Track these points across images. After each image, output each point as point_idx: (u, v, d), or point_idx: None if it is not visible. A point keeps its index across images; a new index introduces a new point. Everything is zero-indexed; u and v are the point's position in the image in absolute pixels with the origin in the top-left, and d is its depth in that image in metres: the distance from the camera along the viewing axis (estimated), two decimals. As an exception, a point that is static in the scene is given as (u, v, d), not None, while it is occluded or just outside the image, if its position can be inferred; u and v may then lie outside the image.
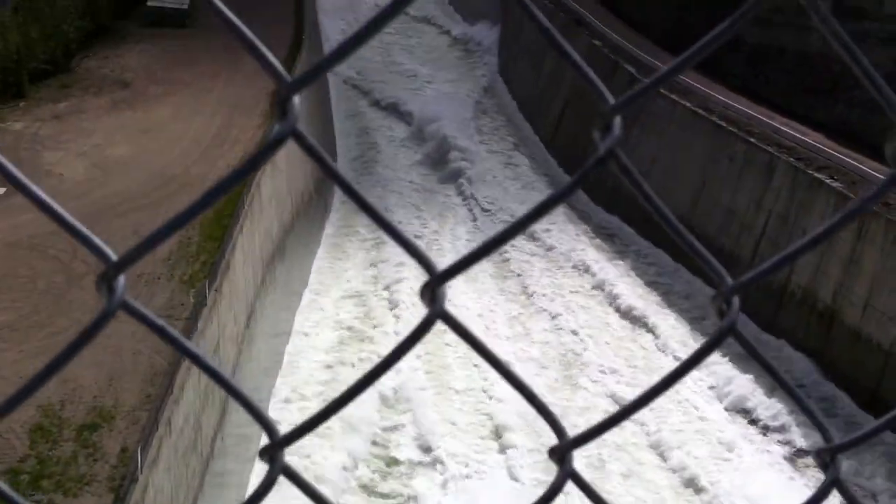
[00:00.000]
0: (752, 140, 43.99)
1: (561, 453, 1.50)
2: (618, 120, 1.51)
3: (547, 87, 64.90)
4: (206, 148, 39.87)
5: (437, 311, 1.39)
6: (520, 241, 46.01)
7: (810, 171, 40.08)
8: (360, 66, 73.29)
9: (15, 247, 30.13)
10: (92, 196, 34.41)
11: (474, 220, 51.64)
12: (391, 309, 40.20)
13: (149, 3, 58.02)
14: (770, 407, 34.31)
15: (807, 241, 1.53)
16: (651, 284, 44.13)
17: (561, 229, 49.13)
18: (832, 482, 1.56)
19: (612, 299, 42.94)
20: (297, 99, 1.28)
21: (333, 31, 77.28)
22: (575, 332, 40.07)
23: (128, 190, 35.07)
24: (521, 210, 51.47)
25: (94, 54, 51.21)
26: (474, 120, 64.99)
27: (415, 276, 43.13)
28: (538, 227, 44.57)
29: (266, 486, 1.41)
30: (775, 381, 1.63)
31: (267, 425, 1.44)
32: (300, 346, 36.89)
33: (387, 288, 41.76)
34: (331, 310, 40.24)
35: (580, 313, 41.95)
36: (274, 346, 34.93)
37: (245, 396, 1.44)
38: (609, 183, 45.02)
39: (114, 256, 1.31)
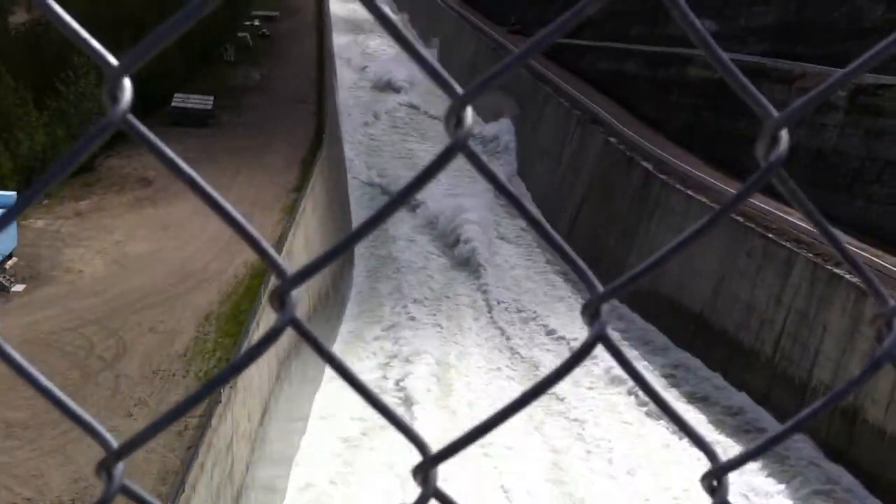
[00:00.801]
0: (769, 235, 43.94)
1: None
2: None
3: (564, 184, 65.42)
4: (224, 244, 40.16)
5: (430, 491, 1.39)
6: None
7: (829, 267, 39.86)
8: (378, 164, 74.32)
9: (31, 343, 30.18)
10: (111, 292, 34.59)
11: (490, 315, 51.51)
12: (404, 406, 39.85)
13: (173, 104, 59.30)
14: None
15: (676, 244, 1.48)
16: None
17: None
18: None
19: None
20: (295, 292, 1.31)
21: (353, 129, 78.60)
22: None
23: (146, 286, 35.25)
24: (538, 307, 51.57)
25: (118, 153, 52.12)
26: (493, 217, 65.35)
27: (427, 374, 42.83)
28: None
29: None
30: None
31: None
32: (315, 440, 36.54)
33: (398, 384, 41.60)
34: (346, 404, 39.84)
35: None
36: (288, 440, 34.53)
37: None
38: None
39: (114, 444, 1.35)
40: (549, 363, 45.44)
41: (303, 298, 39.91)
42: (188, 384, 28.14)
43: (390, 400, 40.63)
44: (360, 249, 58.83)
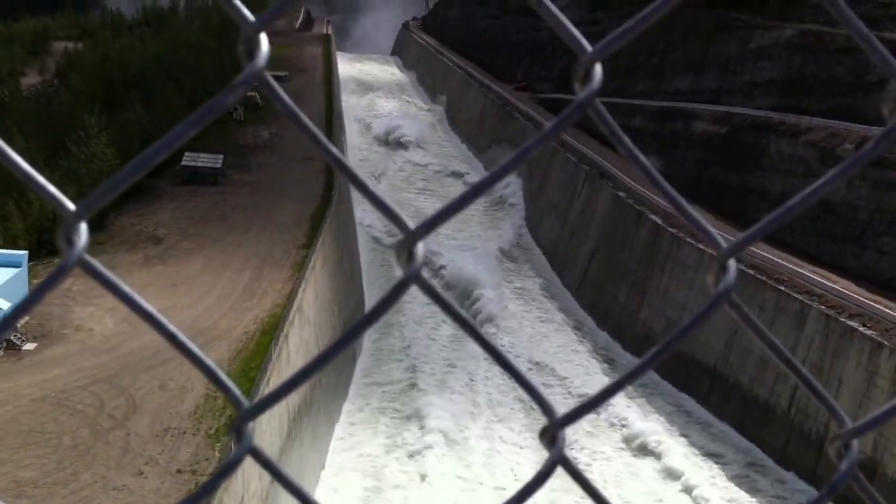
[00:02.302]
0: (781, 288, 43.80)
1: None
2: (597, 67, 1.46)
3: (573, 238, 65.47)
4: (234, 301, 40.15)
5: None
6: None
7: (843, 319, 39.66)
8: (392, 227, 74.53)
9: (42, 402, 30.06)
10: (121, 350, 34.51)
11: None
12: (419, 475, 39.34)
13: (183, 163, 59.76)
14: None
15: (641, 364, 1.46)
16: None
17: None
18: (557, 460, 1.45)
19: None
20: (251, 424, 1.37)
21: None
22: None
23: (156, 344, 35.13)
24: (551, 359, 51.22)
25: (128, 212, 52.40)
26: (502, 270, 65.35)
27: (441, 443, 42.39)
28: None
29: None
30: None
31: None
32: (328, 495, 36.12)
33: (411, 456, 40.72)
34: (357, 466, 39.51)
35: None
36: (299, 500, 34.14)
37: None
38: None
39: (245, 402, 1.40)
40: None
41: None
42: (199, 442, 27.93)
43: (401, 469, 40.24)
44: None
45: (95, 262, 1.25)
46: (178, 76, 62.51)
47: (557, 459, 1.43)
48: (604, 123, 1.44)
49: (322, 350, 1.31)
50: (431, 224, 1.33)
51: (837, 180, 1.49)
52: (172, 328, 1.33)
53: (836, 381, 38.52)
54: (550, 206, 73.05)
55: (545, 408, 1.46)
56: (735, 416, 43.67)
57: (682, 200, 1.47)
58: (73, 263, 1.22)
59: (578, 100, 1.44)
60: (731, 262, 1.49)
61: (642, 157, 1.47)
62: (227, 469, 1.28)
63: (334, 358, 1.37)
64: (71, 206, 1.28)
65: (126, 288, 1.30)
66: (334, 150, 1.39)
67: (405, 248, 1.34)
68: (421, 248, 1.36)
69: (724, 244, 1.48)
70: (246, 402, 1.31)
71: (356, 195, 74.21)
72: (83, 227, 1.26)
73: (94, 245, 48.05)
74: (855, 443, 1.53)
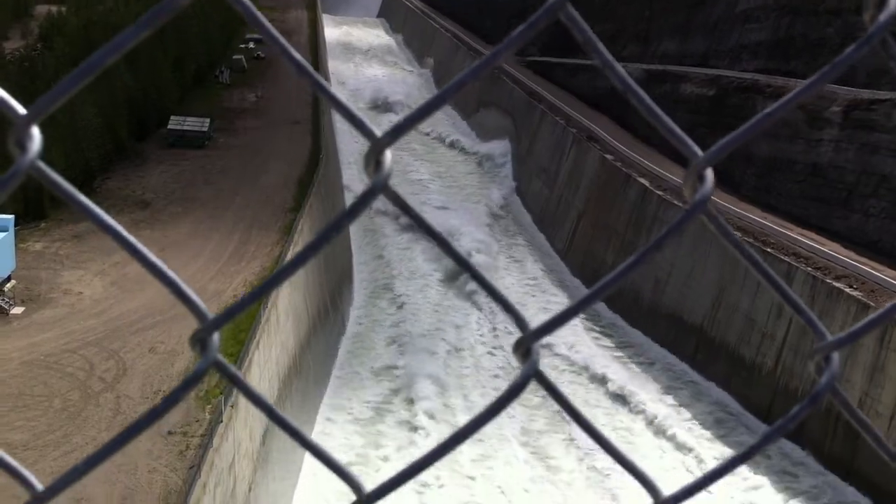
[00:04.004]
0: (768, 250, 44.00)
1: (526, 346, 1.42)
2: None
3: (561, 201, 65.51)
4: (223, 265, 40.13)
5: (530, 370, 1.40)
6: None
7: (829, 280, 39.92)
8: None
9: (32, 365, 30.08)
10: (110, 313, 34.51)
11: (493, 329, 51.47)
12: (409, 429, 39.66)
13: (170, 127, 59.39)
14: None
15: (610, 279, 1.45)
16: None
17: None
18: (531, 374, 1.43)
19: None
20: (216, 336, 1.33)
21: (349, 149, 78.77)
22: None
23: (145, 307, 35.17)
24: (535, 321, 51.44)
25: (116, 175, 52.17)
26: (491, 232, 65.44)
27: (431, 394, 42.66)
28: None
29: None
30: (588, 433, 1.53)
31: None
32: (317, 463, 36.35)
33: (408, 401, 41.44)
34: (348, 425, 39.75)
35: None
36: (291, 458, 34.38)
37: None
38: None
39: (209, 314, 1.35)
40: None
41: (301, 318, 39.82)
42: (189, 404, 28.02)
43: (395, 423, 40.46)
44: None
45: (47, 169, 1.26)
46: (164, 40, 61.96)
47: (531, 373, 1.44)
48: (724, 234, 1.44)
49: (285, 263, 1.30)
50: (397, 131, 1.33)
51: (817, 86, 1.49)
52: (131, 239, 1.34)
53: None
54: (539, 168, 73.02)
55: (519, 321, 1.47)
56: (721, 375, 44.03)
57: (659, 111, 1.47)
58: (25, 168, 1.23)
59: (692, 204, 1.45)
60: (709, 172, 1.48)
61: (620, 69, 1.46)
62: (190, 381, 1.29)
63: (297, 270, 1.36)
64: (21, 109, 1.28)
65: (82, 197, 1.30)
66: (296, 54, 1.37)
67: (373, 157, 1.32)
68: (388, 156, 1.33)
69: (700, 153, 1.48)
70: (209, 314, 1.33)
71: (343, 158, 74.02)
72: (35, 131, 1.25)
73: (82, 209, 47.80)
74: (835, 356, 1.54)
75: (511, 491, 36.23)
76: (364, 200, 1.32)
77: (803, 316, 1.58)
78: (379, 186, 1.32)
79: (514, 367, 46.86)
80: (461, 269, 1.50)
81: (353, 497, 1.37)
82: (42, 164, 1.26)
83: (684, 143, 1.44)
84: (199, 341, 1.31)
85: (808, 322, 1.54)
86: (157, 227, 45.43)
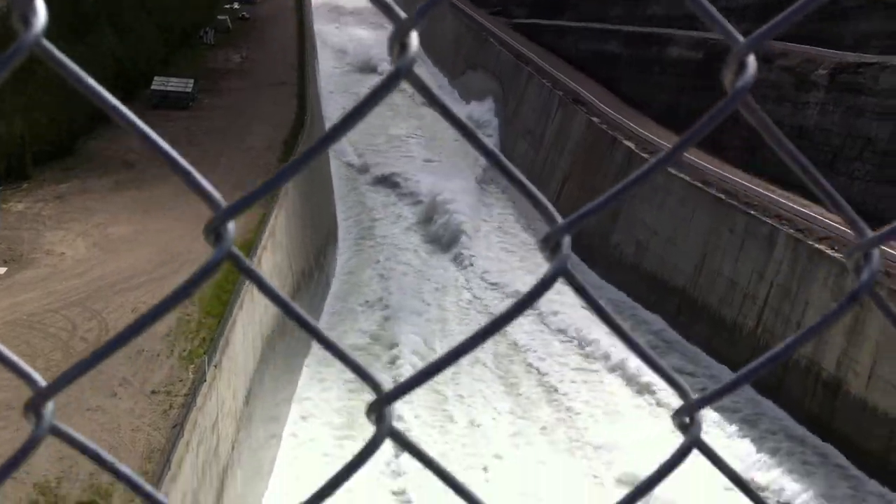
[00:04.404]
0: (752, 212, 44.15)
1: (379, 408, 1.34)
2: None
3: (547, 163, 65.46)
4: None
5: (385, 431, 1.34)
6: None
7: (811, 242, 40.13)
8: (361, 148, 74.43)
9: (14, 325, 30.05)
10: (93, 274, 34.44)
11: (471, 293, 51.73)
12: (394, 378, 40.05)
13: (153, 87, 58.94)
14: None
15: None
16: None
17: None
18: (692, 443, 1.39)
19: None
20: (231, 225, 1.28)
21: (334, 111, 78.43)
22: None
23: (129, 267, 35.12)
24: (519, 283, 51.68)
25: (99, 136, 51.80)
26: (476, 196, 65.39)
27: (412, 351, 42.90)
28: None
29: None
30: (620, 337, 1.47)
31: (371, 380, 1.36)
32: (301, 421, 36.59)
33: (391, 361, 41.80)
34: (332, 387, 39.92)
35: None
36: (274, 419, 34.56)
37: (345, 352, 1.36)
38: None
39: (42, 383, 1.27)
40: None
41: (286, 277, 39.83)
42: (172, 364, 28.10)
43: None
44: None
45: (52, 48, 1.21)
46: (148, 3, 61.30)
47: (561, 269, 1.37)
48: (755, 118, 1.40)
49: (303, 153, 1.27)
50: (423, 12, 1.29)
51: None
52: (141, 124, 1.30)
53: (802, 302, 39.15)
54: (525, 131, 72.87)
55: (547, 214, 1.41)
56: (703, 336, 44.33)
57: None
58: (28, 45, 1.18)
59: (733, 92, 1.39)
60: (751, 59, 1.42)
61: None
62: (206, 270, 1.25)
63: (315, 157, 1.31)
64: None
65: (91, 82, 1.25)
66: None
67: (397, 39, 1.26)
68: (414, 38, 1.26)
69: (742, 39, 1.45)
70: (223, 203, 1.30)
71: (328, 121, 73.62)
72: (40, 4, 1.19)
73: (64, 170, 47.69)
74: (876, 253, 1.49)
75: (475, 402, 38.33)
76: (388, 84, 1.27)
77: (844, 211, 1.51)
78: (403, 70, 1.27)
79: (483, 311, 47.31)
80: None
81: (373, 397, 1.32)
82: (46, 42, 1.18)
83: (725, 28, 1.43)
84: (214, 231, 1.28)
85: (850, 219, 1.51)
86: (142, 187, 45.20)
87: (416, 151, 76.08)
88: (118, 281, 33.74)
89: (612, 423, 38.88)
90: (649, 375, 41.28)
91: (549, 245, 1.41)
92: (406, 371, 40.60)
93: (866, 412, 34.64)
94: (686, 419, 1.44)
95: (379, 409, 1.33)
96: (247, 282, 32.77)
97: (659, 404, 39.80)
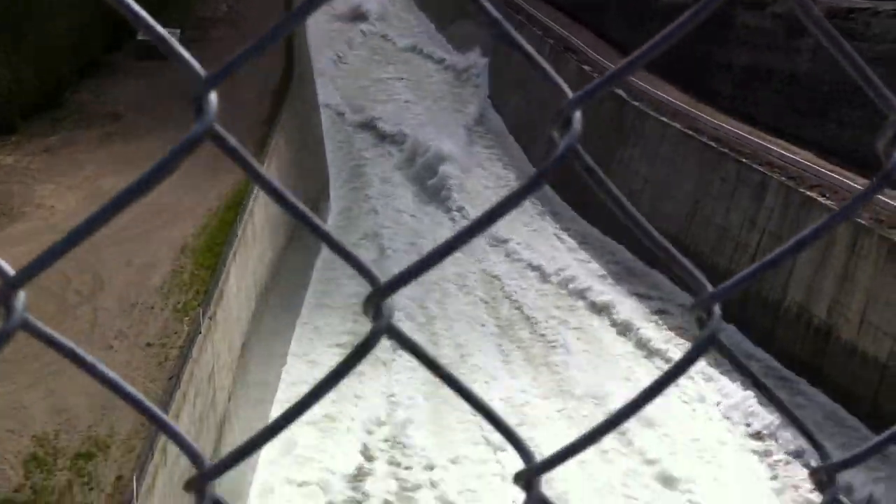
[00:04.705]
0: (743, 160, 44.16)
1: (528, 478, 1.34)
2: (577, 114, 1.41)
3: (538, 113, 65.16)
4: (197, 178, 39.80)
5: (383, 326, 1.32)
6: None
7: (802, 190, 40.22)
8: (350, 94, 73.99)
9: (7, 279, 30.01)
10: (84, 227, 34.33)
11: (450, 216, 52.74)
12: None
13: (139, 38, 58.23)
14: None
15: (790, 246, 1.44)
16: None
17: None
18: (708, 340, 1.41)
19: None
20: (213, 95, 1.21)
21: (322, 60, 77.83)
22: None
23: (121, 221, 34.86)
24: (513, 233, 51.91)
25: (86, 88, 51.34)
26: (467, 146, 65.23)
27: (406, 295, 42.99)
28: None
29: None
30: (766, 396, 1.48)
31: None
32: (297, 372, 36.83)
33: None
34: (327, 336, 40.11)
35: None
36: (270, 371, 34.76)
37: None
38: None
39: (11, 271, 1.19)
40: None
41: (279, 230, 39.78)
42: (167, 316, 28.17)
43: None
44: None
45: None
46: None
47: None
48: (589, 173, 1.38)
49: None
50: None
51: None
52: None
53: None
54: (516, 82, 72.42)
55: (697, 283, 1.44)
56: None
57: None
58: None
59: (559, 151, 1.39)
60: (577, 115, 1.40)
61: None
62: (183, 148, 1.23)
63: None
64: (202, 71, 1.20)
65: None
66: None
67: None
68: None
69: (709, 288, 1.41)
70: (203, 73, 1.25)
71: (317, 68, 73.06)
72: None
73: (52, 122, 47.29)
74: (717, 308, 1.49)
75: None
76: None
77: (683, 268, 1.54)
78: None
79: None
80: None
81: (369, 289, 1.31)
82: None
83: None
84: (195, 101, 1.23)
85: (688, 274, 1.50)
86: (131, 140, 44.91)
87: (402, 94, 76.34)
88: (110, 234, 33.59)
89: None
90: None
91: (698, 313, 1.43)
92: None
93: (856, 357, 35.01)
94: (825, 477, 1.44)
95: (376, 303, 1.32)
96: (240, 233, 32.80)
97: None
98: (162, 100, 50.58)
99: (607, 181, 1.41)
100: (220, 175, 40.13)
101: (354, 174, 60.96)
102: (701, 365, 37.49)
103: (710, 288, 1.43)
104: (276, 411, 34.29)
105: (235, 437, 28.41)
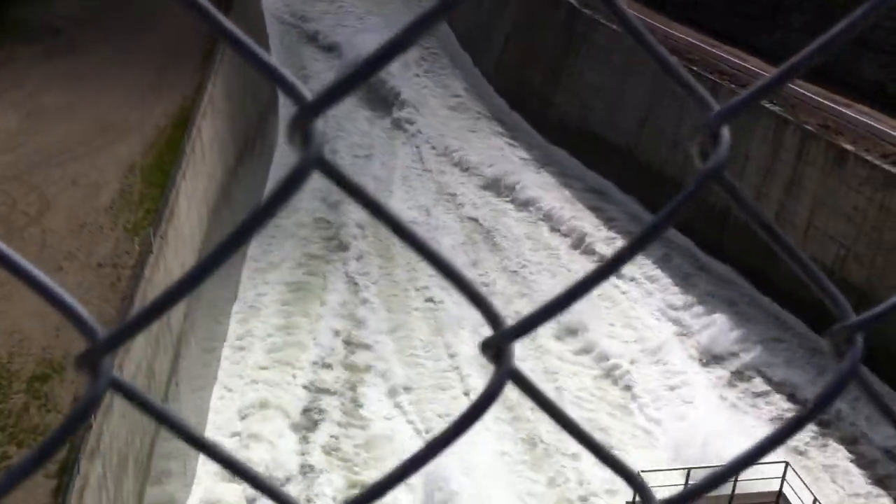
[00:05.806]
0: (693, 68, 44.12)
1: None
2: (725, 132, 1.22)
3: (488, 19, 64.33)
4: (142, 94, 39.04)
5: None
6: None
7: (751, 97, 40.43)
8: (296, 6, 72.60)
9: (-49, 201, 29.42)
10: (27, 147, 33.59)
11: (419, 156, 51.73)
12: (343, 250, 40.37)
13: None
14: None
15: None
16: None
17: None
18: (850, 372, 1.25)
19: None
20: (321, 123, 1.09)
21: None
22: None
23: (65, 139, 34.29)
24: (459, 143, 51.73)
25: (20, 2, 49.64)
26: (414, 53, 64.40)
27: (360, 217, 42.88)
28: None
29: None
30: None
31: None
32: (252, 284, 36.92)
33: (336, 237, 41.76)
34: (280, 251, 40.06)
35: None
36: (225, 288, 34.70)
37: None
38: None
39: (100, 333, 1.11)
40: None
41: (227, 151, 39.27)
42: (117, 236, 27.85)
43: (327, 248, 40.85)
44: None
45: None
46: None
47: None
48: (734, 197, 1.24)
49: None
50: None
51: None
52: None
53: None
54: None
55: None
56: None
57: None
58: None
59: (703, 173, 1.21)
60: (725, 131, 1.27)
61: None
62: (293, 181, 1.10)
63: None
64: (308, 93, 1.11)
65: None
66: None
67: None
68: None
69: (852, 316, 1.33)
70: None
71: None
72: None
73: (-11, 38, 45.77)
74: (859, 337, 1.37)
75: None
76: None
77: (827, 291, 1.40)
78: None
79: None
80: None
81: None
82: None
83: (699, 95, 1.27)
84: (300, 128, 1.10)
85: (832, 298, 1.43)
86: (73, 55, 43.69)
87: (353, 7, 75.02)
88: (55, 153, 32.99)
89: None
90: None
91: (838, 342, 1.29)
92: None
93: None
94: (842, 340, 1.36)
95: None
96: (188, 150, 32.25)
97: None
98: (102, 13, 49.12)
99: (755, 206, 1.29)
100: (163, 90, 39.35)
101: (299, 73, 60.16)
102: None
103: (854, 316, 1.29)
104: (233, 328, 34.34)
105: (192, 356, 28.45)
